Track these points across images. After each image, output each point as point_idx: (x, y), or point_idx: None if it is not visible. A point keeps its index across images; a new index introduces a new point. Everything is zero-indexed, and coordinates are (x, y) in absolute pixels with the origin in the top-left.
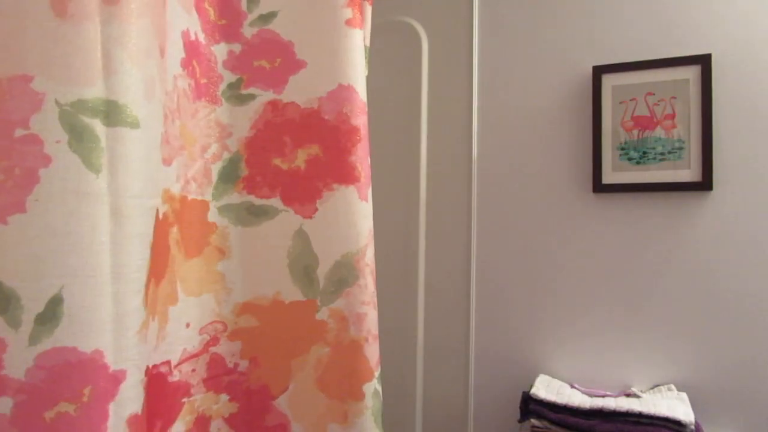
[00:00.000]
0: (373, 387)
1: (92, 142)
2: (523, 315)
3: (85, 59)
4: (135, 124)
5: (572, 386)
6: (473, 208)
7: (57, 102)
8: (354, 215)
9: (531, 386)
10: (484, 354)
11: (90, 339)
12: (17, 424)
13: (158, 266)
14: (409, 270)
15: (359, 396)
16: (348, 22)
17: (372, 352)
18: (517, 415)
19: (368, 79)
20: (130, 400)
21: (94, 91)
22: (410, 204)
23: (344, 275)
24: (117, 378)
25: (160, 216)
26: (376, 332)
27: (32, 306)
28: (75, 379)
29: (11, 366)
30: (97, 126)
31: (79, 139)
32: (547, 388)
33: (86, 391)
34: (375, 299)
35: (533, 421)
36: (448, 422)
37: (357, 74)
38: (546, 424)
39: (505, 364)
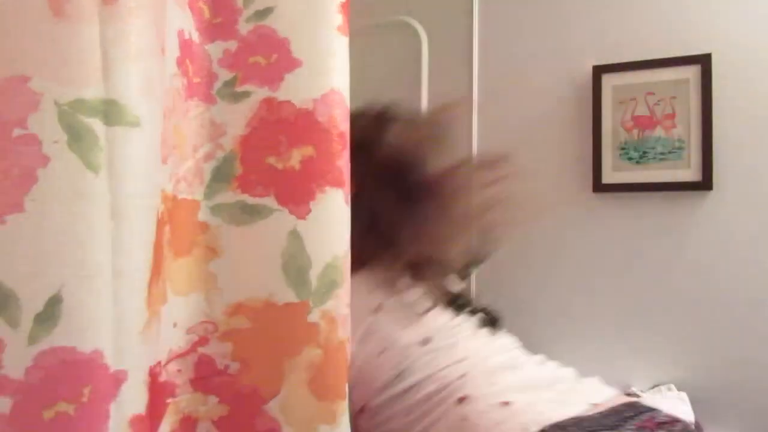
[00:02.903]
0: (349, 385)
1: (91, 141)
2: (522, 315)
3: (84, 59)
4: (135, 123)
5: None
6: None
7: (56, 102)
8: (342, 218)
9: None
10: None
11: (89, 339)
12: (16, 424)
13: (157, 266)
14: None
15: (343, 395)
16: (339, 28)
17: (349, 351)
18: None
19: (368, 79)
20: (132, 400)
21: (93, 91)
22: None
23: (333, 277)
24: (118, 378)
25: (159, 216)
26: (350, 332)
27: (31, 305)
28: (73, 378)
29: (10, 365)
30: (97, 125)
31: (78, 138)
32: None
33: (85, 391)
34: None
35: None
36: None
37: (346, 81)
38: None
39: None
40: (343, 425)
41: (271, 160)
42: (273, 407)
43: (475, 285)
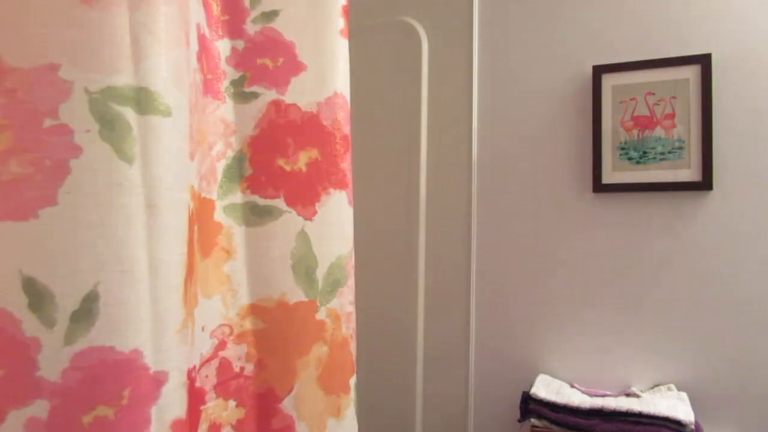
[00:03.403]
0: (354, 380)
1: (124, 130)
2: (523, 315)
3: (114, 46)
4: (167, 113)
5: (572, 386)
6: (473, 208)
7: (86, 90)
8: (346, 219)
9: (531, 386)
10: (484, 354)
11: (127, 338)
12: (54, 429)
13: (191, 265)
14: (410, 270)
15: (348, 390)
16: (341, 32)
17: (353, 347)
18: (517, 414)
19: (368, 78)
20: (173, 403)
21: (124, 78)
22: (410, 204)
23: (338, 276)
24: (158, 380)
25: (190, 213)
26: (355, 329)
27: (67, 303)
28: (113, 380)
29: (46, 367)
30: (129, 114)
31: (111, 127)
32: (547, 388)
33: (125, 393)
34: (354, 299)
35: (533, 420)
36: (448, 422)
37: (347, 84)
38: (546, 423)
39: (505, 364)
40: (348, 418)
41: (281, 161)
42: (287, 405)
43: (474, 286)
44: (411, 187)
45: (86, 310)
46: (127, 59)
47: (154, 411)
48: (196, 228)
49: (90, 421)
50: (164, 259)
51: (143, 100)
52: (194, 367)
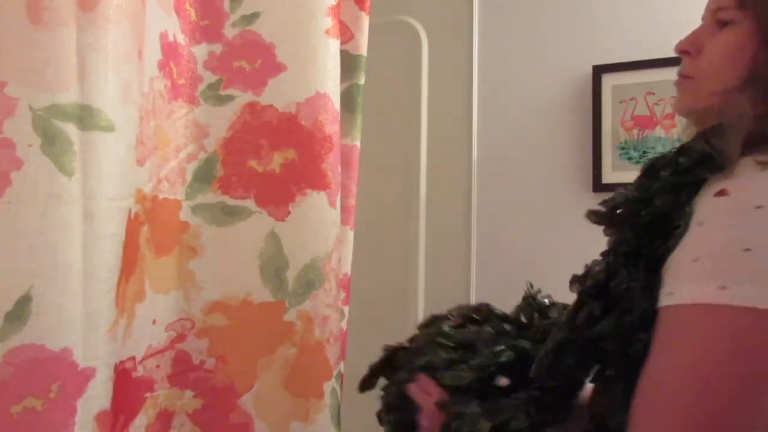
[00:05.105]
0: (331, 386)
1: (65, 145)
2: None
3: (60, 65)
4: (110, 128)
5: None
6: (473, 209)
7: (30, 107)
8: (324, 221)
9: None
10: None
11: (58, 337)
12: None
13: (128, 265)
14: (409, 271)
15: (320, 394)
16: (327, 32)
17: (332, 352)
18: None
19: (368, 78)
20: (98, 396)
21: (69, 96)
22: (410, 205)
23: (312, 278)
24: (86, 375)
25: (132, 216)
26: (338, 334)
27: (1, 305)
28: (42, 375)
29: None
30: (71, 130)
31: (52, 142)
32: None
33: (54, 387)
34: (338, 302)
35: None
36: None
37: (333, 83)
38: None
39: None
40: (318, 424)
41: (253, 162)
42: (246, 402)
43: (474, 286)
44: (411, 187)
45: (19, 311)
46: (73, 78)
47: (80, 403)
48: (145, 228)
49: (19, 411)
50: (99, 265)
51: (86, 117)
52: (132, 357)
